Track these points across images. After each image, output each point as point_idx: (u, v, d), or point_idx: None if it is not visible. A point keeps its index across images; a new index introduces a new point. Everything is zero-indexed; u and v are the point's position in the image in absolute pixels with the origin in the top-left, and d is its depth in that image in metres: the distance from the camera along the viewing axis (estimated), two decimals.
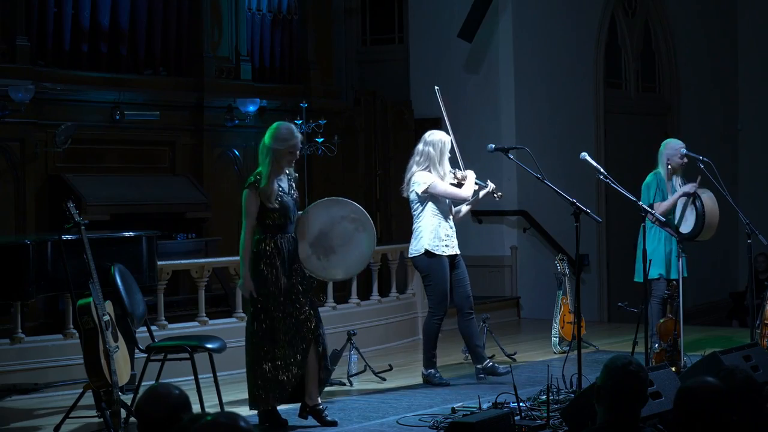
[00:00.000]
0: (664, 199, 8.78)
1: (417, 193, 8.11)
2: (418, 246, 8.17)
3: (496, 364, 8.33)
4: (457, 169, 8.24)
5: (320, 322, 6.93)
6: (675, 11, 15.78)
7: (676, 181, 8.90)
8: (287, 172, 6.94)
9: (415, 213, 8.20)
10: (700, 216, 8.77)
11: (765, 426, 4.02)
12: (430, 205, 8.13)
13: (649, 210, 8.01)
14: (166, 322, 8.81)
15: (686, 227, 8.86)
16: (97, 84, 10.62)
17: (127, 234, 7.83)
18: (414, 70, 13.76)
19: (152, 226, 8.55)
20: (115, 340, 6.57)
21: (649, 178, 8.86)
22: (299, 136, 6.94)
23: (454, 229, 8.23)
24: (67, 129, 9.99)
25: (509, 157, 8.11)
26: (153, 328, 7.60)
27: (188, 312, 9.72)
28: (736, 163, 16.77)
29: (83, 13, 10.48)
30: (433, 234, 8.10)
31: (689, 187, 8.75)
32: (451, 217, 8.23)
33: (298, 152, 6.91)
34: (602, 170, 7.58)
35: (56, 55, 10.40)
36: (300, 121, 10.34)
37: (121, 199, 10.40)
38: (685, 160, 8.88)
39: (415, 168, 8.14)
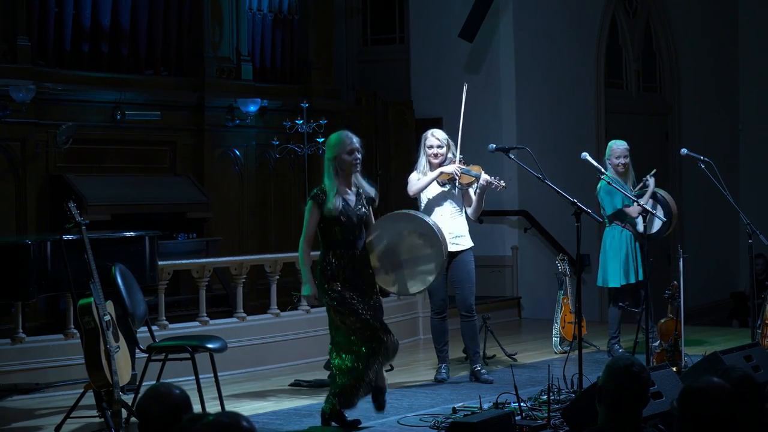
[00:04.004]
0: (623, 199, 8.81)
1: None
2: None
3: (483, 372, 8.28)
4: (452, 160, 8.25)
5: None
6: (676, 11, 15.77)
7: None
8: (356, 186, 6.85)
9: None
10: (665, 204, 8.89)
11: (765, 426, 4.02)
12: (422, 202, 8.18)
13: (650, 210, 8.01)
14: (167, 322, 8.81)
15: (657, 224, 8.86)
16: (98, 84, 10.62)
17: (128, 234, 7.82)
18: (414, 70, 13.76)
19: (153, 226, 8.54)
20: (116, 340, 6.57)
21: (602, 183, 8.66)
22: (354, 137, 6.86)
23: (452, 227, 8.17)
24: (68, 129, 9.99)
25: (510, 157, 8.12)
26: (154, 328, 7.60)
27: (189, 312, 9.73)
28: (737, 163, 16.76)
29: (84, 13, 10.48)
30: None
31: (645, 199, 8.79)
32: (448, 213, 8.19)
33: (358, 153, 6.80)
34: (603, 170, 7.59)
35: (57, 55, 10.40)
36: (301, 121, 10.36)
37: (122, 199, 10.40)
38: (621, 160, 8.95)
39: None
